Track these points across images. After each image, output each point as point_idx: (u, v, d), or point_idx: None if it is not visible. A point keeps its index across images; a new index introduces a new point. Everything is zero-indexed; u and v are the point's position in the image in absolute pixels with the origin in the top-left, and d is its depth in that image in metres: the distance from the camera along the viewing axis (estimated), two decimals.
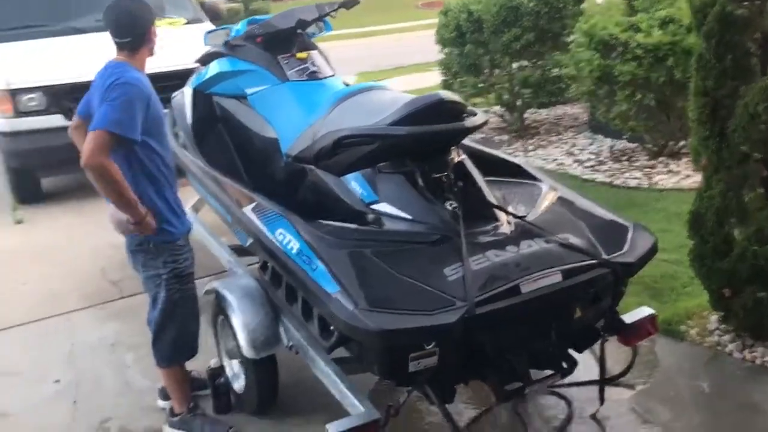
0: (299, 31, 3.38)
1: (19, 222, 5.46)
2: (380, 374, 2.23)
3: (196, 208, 4.04)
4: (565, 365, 2.37)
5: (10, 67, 5.47)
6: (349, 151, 2.48)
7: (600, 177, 5.45)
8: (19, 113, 5.41)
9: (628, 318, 2.65)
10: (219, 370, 2.94)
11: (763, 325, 2.93)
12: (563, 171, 5.72)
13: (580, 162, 5.83)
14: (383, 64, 11.97)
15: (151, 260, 2.66)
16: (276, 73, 3.32)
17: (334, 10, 3.49)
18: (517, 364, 2.26)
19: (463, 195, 2.43)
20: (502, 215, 2.45)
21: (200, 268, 3.07)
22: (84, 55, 5.44)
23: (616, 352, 2.91)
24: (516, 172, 2.95)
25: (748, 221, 2.85)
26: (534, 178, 2.86)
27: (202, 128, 3.64)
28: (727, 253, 2.91)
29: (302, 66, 3.32)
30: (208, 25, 6.55)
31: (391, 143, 2.40)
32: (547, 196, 2.69)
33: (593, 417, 2.70)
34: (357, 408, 2.29)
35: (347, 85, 3.49)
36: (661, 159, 5.49)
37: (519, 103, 6.71)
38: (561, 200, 2.66)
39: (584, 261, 2.29)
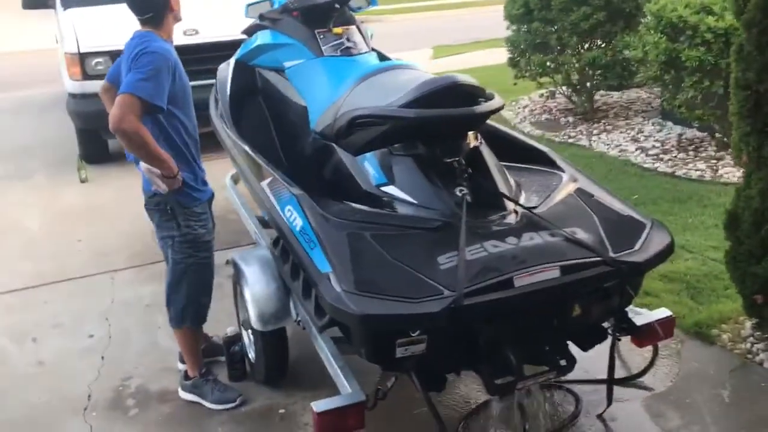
0: (338, 5, 3.35)
1: (83, 181, 5.71)
2: (367, 358, 2.22)
3: (234, 179, 4.11)
4: (563, 363, 2.29)
5: (81, 31, 5.69)
6: (364, 130, 2.46)
7: (662, 167, 5.21)
8: (87, 76, 5.63)
9: (641, 319, 2.55)
10: (235, 338, 3.01)
11: None
12: (625, 158, 5.51)
13: (643, 150, 5.58)
14: (459, 37, 11.80)
15: (166, 221, 2.75)
16: (311, 48, 3.32)
17: None
18: (509, 358, 2.20)
19: (473, 182, 2.38)
20: (510, 205, 2.38)
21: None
22: None
23: (640, 352, 2.82)
24: (541, 159, 2.86)
25: None
26: (557, 167, 2.77)
27: (240, 100, 3.69)
28: (762, 257, 2.74)
29: (337, 41, 3.30)
30: None
31: (401, 125, 2.37)
32: (566, 186, 2.59)
33: (599, 417, 2.62)
34: (345, 388, 2.30)
35: (385, 60, 3.46)
36: (729, 150, 5.20)
37: (588, 84, 6.49)
38: (579, 191, 2.56)
39: (587, 257, 2.20)
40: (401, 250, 2.22)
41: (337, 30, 3.32)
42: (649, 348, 2.68)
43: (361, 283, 2.10)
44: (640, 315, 2.58)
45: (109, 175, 5.83)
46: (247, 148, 3.14)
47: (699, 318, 3.19)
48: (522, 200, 2.50)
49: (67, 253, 4.46)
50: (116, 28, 5.92)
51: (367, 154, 2.65)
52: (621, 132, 6.10)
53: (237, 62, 3.81)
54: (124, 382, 3.09)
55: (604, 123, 6.41)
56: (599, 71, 6.17)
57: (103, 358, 3.29)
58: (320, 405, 2.20)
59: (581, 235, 2.29)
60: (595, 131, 6.24)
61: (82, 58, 5.60)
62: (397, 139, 2.49)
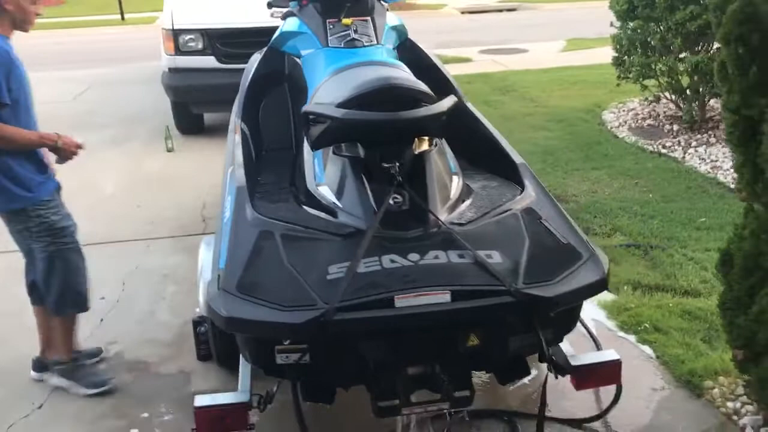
0: None
1: (169, 150, 6.06)
2: (249, 360, 2.19)
3: None
4: (459, 394, 2.13)
5: (176, 9, 6.00)
6: (315, 126, 2.41)
7: None
8: (179, 52, 5.95)
9: (578, 360, 2.31)
10: (201, 320, 3.08)
11: None
12: (712, 176, 4.99)
13: None
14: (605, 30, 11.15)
15: (15, 215, 2.80)
16: (319, 37, 3.29)
17: None
18: (395, 380, 2.08)
19: (407, 191, 2.25)
20: (433, 219, 2.23)
21: None
22: (238, 4, 5.84)
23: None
24: (512, 170, 2.66)
25: None
26: (520, 182, 2.55)
27: (263, 85, 3.72)
28: (749, 307, 2.38)
29: (344, 32, 3.24)
30: None
31: (336, 125, 2.29)
32: (515, 204, 2.39)
33: None
34: (238, 386, 2.28)
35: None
36: None
37: (700, 90, 5.91)
38: (526, 212, 2.35)
39: (487, 285, 2.02)
40: (301, 254, 2.15)
41: (346, 21, 3.25)
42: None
43: (242, 285, 2.06)
44: (579, 356, 2.34)
45: (193, 148, 6.15)
46: (237, 133, 3.17)
47: (696, 366, 2.84)
48: (458, 213, 2.34)
49: (123, 217, 4.76)
50: (209, 8, 6.28)
51: (319, 152, 2.59)
52: (724, 146, 5.51)
53: (270, 47, 3.85)
54: (107, 346, 3.27)
55: (710, 135, 5.82)
56: (699, 77, 5.60)
57: (102, 320, 3.49)
58: (202, 399, 2.20)
59: (495, 260, 2.10)
60: (694, 143, 5.69)
61: (176, 34, 5.92)
62: (338, 138, 2.40)
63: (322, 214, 2.37)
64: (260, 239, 2.24)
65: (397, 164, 2.25)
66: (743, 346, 2.42)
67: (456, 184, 2.51)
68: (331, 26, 3.27)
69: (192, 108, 6.18)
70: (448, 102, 2.33)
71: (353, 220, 2.26)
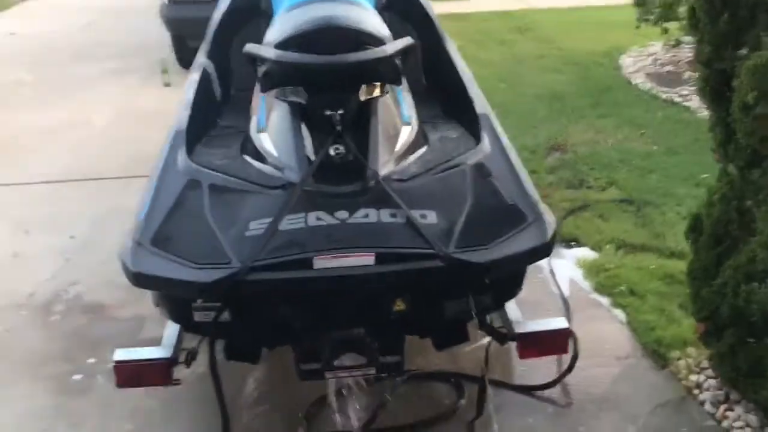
0: None
1: (167, 85, 5.93)
2: (167, 316, 2.10)
3: None
4: (386, 359, 2.01)
5: None
6: (259, 68, 2.25)
7: None
8: None
9: (523, 327, 2.17)
10: None
11: (738, 380, 2.21)
12: None
13: None
14: None
15: None
16: None
17: None
18: (317, 343, 1.97)
19: (348, 140, 2.09)
20: (371, 173, 2.06)
21: None
22: None
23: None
24: (474, 122, 2.48)
25: (741, 245, 2.10)
26: (478, 134, 2.37)
27: (238, 21, 3.53)
28: (714, 277, 2.20)
29: None
30: None
31: (272, 67, 2.13)
32: (466, 158, 2.21)
33: (469, 423, 2.29)
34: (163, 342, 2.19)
35: None
36: None
37: None
38: (476, 167, 2.17)
39: (416, 248, 1.87)
40: (225, 207, 2.03)
41: None
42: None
43: (157, 239, 1.95)
44: (525, 322, 2.20)
45: None
46: (197, 72, 3.01)
47: (665, 334, 2.68)
48: (402, 168, 2.17)
49: (110, 153, 4.67)
50: None
51: (264, 95, 2.43)
52: None
53: None
54: (68, 287, 3.22)
55: None
56: None
57: (67, 260, 3.44)
58: (121, 353, 2.12)
59: (430, 220, 1.95)
60: None
61: None
62: (275, 81, 2.23)
63: (257, 164, 2.23)
64: (186, 189, 2.11)
65: (339, 112, 2.09)
66: (706, 318, 2.26)
67: (407, 135, 2.34)
68: None
69: (189, 42, 5.98)
70: (393, 46, 2.14)
71: (287, 171, 2.11)
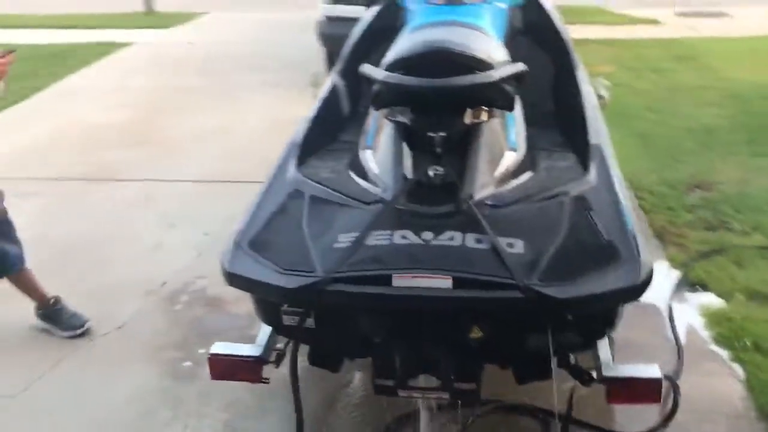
0: None
1: None
2: (260, 318, 2.20)
3: None
4: (460, 386, 1.99)
5: None
6: (371, 87, 2.34)
7: None
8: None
9: (612, 371, 2.06)
10: None
11: None
12: None
13: None
14: None
15: None
16: None
17: None
18: (395, 360, 1.99)
19: (449, 163, 2.12)
20: (464, 197, 2.06)
21: None
22: None
23: None
24: (585, 152, 2.40)
25: None
26: (586, 166, 2.29)
27: (377, 40, 3.64)
28: None
29: None
30: None
31: (380, 88, 2.20)
32: (570, 188, 2.15)
33: None
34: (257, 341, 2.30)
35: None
36: None
37: None
38: (576, 199, 2.11)
39: (495, 276, 1.85)
40: (321, 218, 2.11)
41: None
42: None
43: (256, 242, 2.07)
44: (616, 366, 2.09)
45: None
46: (326, 87, 3.15)
47: None
48: (500, 194, 2.15)
49: (252, 158, 4.90)
50: None
51: (376, 114, 2.50)
52: None
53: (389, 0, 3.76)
54: (195, 279, 3.46)
55: None
56: None
57: (199, 254, 3.70)
58: (218, 347, 2.25)
59: (516, 249, 1.91)
60: None
61: None
62: (383, 101, 2.29)
63: (359, 180, 2.30)
64: (289, 198, 2.22)
65: (441, 134, 2.12)
66: None
67: (511, 161, 2.31)
68: None
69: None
70: (500, 72, 2.12)
71: (384, 189, 2.17)
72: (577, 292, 1.83)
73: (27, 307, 3.10)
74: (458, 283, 1.85)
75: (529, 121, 3.13)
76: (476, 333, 1.94)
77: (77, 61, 7.88)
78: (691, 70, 6.72)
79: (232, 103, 6.27)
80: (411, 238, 1.96)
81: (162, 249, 3.79)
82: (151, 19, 10.45)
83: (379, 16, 3.67)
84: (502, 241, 1.92)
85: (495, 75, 2.11)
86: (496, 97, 2.19)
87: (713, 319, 3.00)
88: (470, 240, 1.94)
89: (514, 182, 2.24)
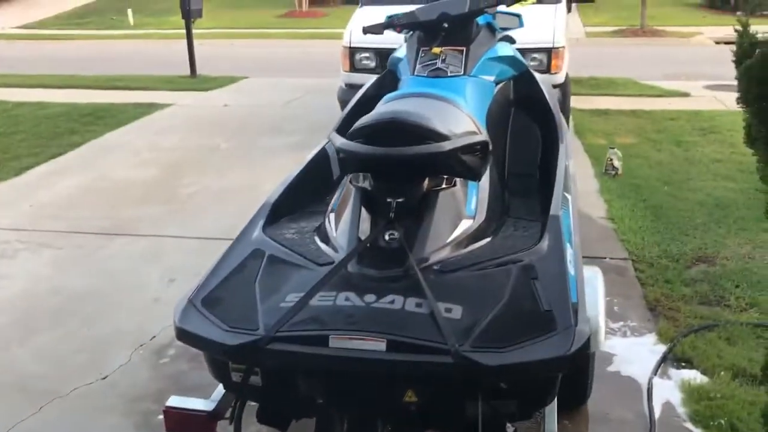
0: (446, 24, 3.23)
1: None
2: (211, 373, 2.25)
3: None
4: None
5: (354, 28, 6.27)
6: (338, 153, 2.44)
7: None
8: (354, 69, 6.22)
9: None
10: None
11: None
12: None
13: None
14: None
15: None
16: (410, 65, 3.29)
17: (490, 6, 3.23)
18: (333, 421, 2.02)
19: (403, 228, 2.19)
20: (410, 262, 2.12)
21: None
22: None
23: None
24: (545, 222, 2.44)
25: None
26: (543, 237, 2.33)
27: (365, 106, 3.76)
28: None
29: (431, 61, 3.20)
30: (561, 6, 6.37)
31: (340, 154, 2.30)
32: (520, 256, 2.19)
33: None
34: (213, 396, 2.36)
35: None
36: None
37: None
38: (523, 268, 2.14)
39: (429, 341, 1.88)
40: (274, 278, 2.19)
41: (436, 50, 3.21)
42: None
43: (208, 299, 2.15)
44: None
45: None
46: (311, 152, 3.26)
47: None
48: (451, 259, 2.19)
49: None
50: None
51: (344, 179, 2.60)
52: None
53: (387, 69, 3.90)
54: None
55: None
56: None
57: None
58: (173, 400, 2.31)
59: (454, 315, 1.95)
60: None
61: (352, 52, 6.21)
62: (345, 166, 2.40)
63: (320, 242, 2.38)
64: (249, 257, 2.31)
65: (398, 200, 2.19)
66: None
67: (466, 228, 2.36)
68: (423, 54, 3.25)
69: None
70: (453, 143, 2.20)
71: (340, 251, 2.24)
72: (506, 360, 1.84)
73: (15, 353, 3.22)
74: (392, 346, 1.89)
75: (514, 190, 3.19)
76: (411, 397, 1.96)
77: (116, 120, 8.26)
78: (712, 144, 6.69)
79: (254, 165, 6.47)
80: (353, 299, 2.02)
81: (159, 303, 3.91)
82: (193, 82, 10.90)
83: (375, 85, 3.82)
84: (442, 306, 1.96)
85: (446, 146, 2.19)
86: (454, 167, 2.26)
87: (693, 396, 2.94)
88: (410, 304, 1.98)
89: (468, 249, 2.29)
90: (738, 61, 1.74)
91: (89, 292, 4.02)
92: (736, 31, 1.77)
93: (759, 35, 1.70)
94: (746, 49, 1.68)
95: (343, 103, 6.42)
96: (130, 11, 21.39)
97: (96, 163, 6.67)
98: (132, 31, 19.99)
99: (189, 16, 10.96)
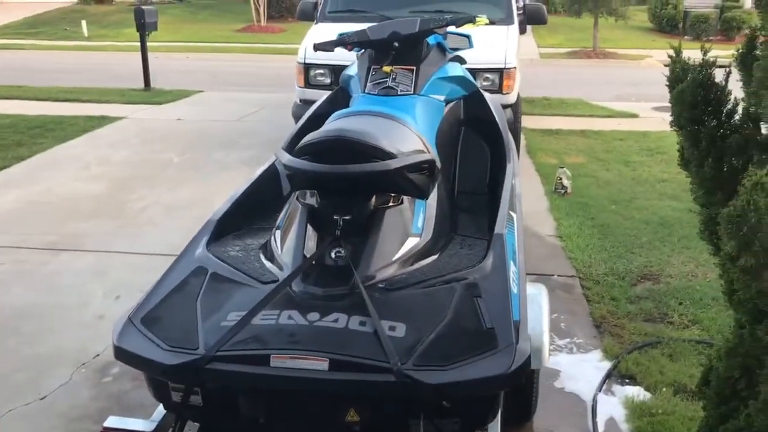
0: (396, 44, 3.25)
1: None
2: (151, 393, 2.21)
3: None
4: None
5: (309, 44, 6.27)
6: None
7: None
8: (309, 85, 6.22)
9: None
10: None
11: None
12: None
13: None
14: None
15: None
16: (361, 83, 3.30)
17: (440, 26, 3.27)
18: None
19: (349, 245, 2.18)
20: (356, 279, 2.12)
21: None
22: None
23: None
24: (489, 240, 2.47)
25: (741, 407, 1.90)
26: (486, 256, 2.35)
27: (314, 124, 3.76)
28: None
29: (382, 79, 3.22)
30: (514, 28, 6.47)
31: (285, 171, 2.29)
32: (464, 274, 2.20)
33: None
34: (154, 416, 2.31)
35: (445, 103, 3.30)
36: None
37: None
38: (467, 286, 2.15)
39: (372, 359, 1.88)
40: (215, 296, 2.16)
41: (386, 68, 3.23)
42: None
43: (148, 318, 2.11)
44: None
45: None
46: (262, 167, 3.24)
47: None
48: (396, 277, 2.20)
49: None
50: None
51: (291, 196, 2.58)
52: None
53: (339, 87, 3.91)
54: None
55: None
56: None
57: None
58: (110, 421, 2.26)
59: (397, 333, 1.95)
60: None
61: (306, 68, 6.20)
62: (292, 183, 2.39)
63: (264, 260, 2.36)
64: (192, 275, 2.28)
65: (345, 218, 2.19)
66: None
67: (413, 246, 2.37)
68: (374, 72, 3.27)
69: None
70: (397, 162, 2.21)
71: (285, 269, 2.22)
72: (447, 378, 1.85)
73: None
74: (335, 365, 1.88)
75: (463, 208, 3.21)
76: (353, 416, 1.95)
77: (66, 132, 8.09)
78: (659, 164, 6.85)
79: (207, 180, 6.41)
80: (297, 318, 2.00)
81: (104, 320, 3.82)
82: (146, 95, 10.75)
83: (327, 101, 3.82)
84: (386, 324, 1.97)
85: (392, 164, 2.20)
86: (401, 185, 2.27)
87: (636, 412, 2.99)
88: (354, 322, 1.98)
89: (413, 267, 2.30)
90: (671, 86, 1.79)
91: (31, 310, 3.92)
92: (669, 56, 1.82)
93: (690, 60, 1.76)
94: (678, 74, 1.74)
95: (298, 119, 6.41)
96: (84, 22, 21.04)
97: (43, 176, 6.52)
98: (86, 42, 19.64)
99: (144, 29, 10.85)
